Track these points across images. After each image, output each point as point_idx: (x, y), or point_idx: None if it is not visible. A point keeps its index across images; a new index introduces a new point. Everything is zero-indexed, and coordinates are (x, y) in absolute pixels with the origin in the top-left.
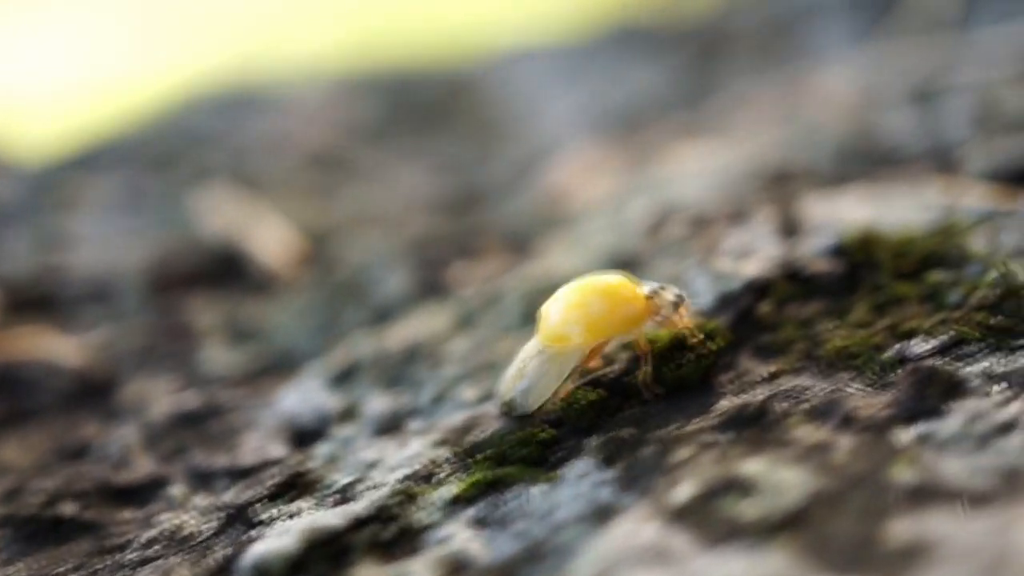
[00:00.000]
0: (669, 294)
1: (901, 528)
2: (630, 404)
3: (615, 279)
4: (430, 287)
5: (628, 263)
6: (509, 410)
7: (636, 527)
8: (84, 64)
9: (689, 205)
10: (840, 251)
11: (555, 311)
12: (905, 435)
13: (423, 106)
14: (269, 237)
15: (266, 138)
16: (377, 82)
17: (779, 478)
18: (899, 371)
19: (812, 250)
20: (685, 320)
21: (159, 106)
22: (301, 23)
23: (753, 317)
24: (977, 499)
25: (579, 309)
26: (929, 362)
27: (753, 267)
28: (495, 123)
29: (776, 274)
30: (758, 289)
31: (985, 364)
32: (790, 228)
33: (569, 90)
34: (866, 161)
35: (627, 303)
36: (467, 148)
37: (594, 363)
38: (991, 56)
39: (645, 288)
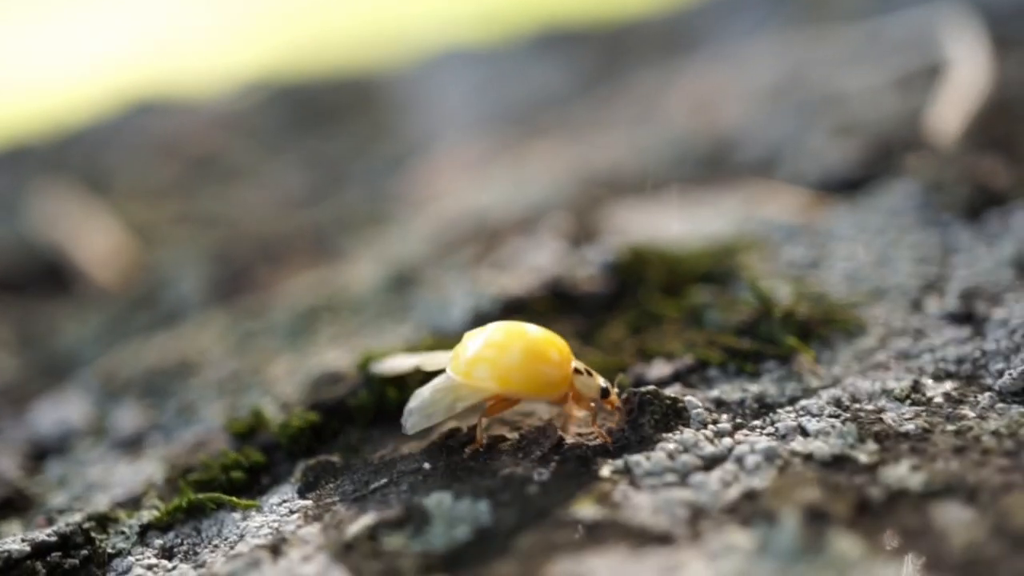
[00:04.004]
0: (599, 380)
1: (561, 569)
2: (348, 428)
3: (550, 337)
4: (232, 290)
5: (407, 272)
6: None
7: (300, 562)
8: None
9: (491, 212)
10: (612, 267)
11: (473, 345)
12: (607, 467)
13: (326, 110)
14: (98, 241)
15: (154, 142)
16: (289, 88)
17: (457, 512)
18: (623, 396)
19: (586, 265)
20: (612, 401)
21: (81, 110)
22: (229, 33)
23: None
24: (655, 539)
25: (496, 351)
26: (654, 388)
27: (518, 282)
28: (393, 126)
29: (540, 290)
30: (513, 306)
31: (718, 391)
32: (577, 241)
33: (477, 93)
34: (703, 164)
35: (549, 365)
36: (353, 148)
37: (498, 412)
38: (876, 49)
39: (575, 363)
